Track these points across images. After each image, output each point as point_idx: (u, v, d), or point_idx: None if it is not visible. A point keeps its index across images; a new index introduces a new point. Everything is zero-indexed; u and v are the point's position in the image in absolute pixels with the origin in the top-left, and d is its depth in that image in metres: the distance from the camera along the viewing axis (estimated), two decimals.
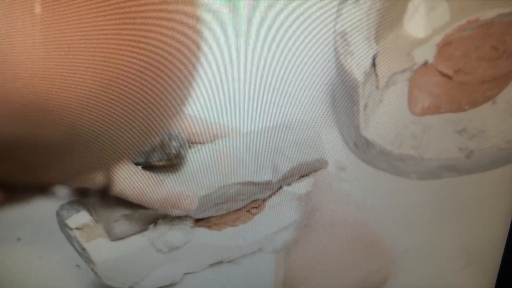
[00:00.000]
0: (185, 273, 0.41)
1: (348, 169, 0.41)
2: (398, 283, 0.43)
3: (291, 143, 0.39)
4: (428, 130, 0.44)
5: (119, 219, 0.36)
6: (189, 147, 0.38)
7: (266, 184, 0.39)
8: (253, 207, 0.40)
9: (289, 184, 0.40)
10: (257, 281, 0.42)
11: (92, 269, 0.37)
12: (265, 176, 0.38)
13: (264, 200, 0.40)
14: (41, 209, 0.44)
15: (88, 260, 0.37)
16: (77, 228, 0.36)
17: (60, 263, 0.43)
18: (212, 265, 0.42)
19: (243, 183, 0.38)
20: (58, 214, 0.36)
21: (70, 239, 0.37)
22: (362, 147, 0.44)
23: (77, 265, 0.43)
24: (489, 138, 0.44)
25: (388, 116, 0.43)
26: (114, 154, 0.17)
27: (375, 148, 0.44)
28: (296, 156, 0.39)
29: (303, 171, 0.40)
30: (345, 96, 0.42)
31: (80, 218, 0.36)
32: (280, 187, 0.40)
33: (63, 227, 0.37)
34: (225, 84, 0.43)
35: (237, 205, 0.39)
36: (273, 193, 0.41)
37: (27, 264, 0.43)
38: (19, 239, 0.44)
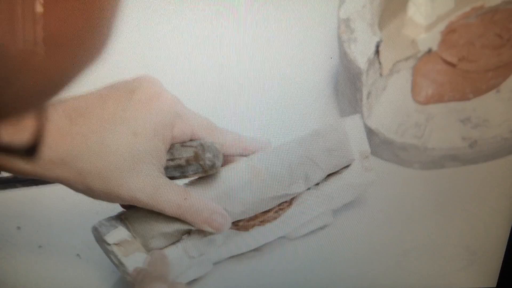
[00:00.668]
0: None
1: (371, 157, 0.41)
2: (400, 282, 0.43)
3: (322, 151, 0.39)
4: (432, 119, 0.43)
5: (156, 236, 0.37)
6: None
7: (297, 193, 0.39)
8: (280, 208, 0.40)
9: (317, 184, 0.40)
10: (278, 267, 0.42)
11: (129, 281, 0.38)
12: (298, 187, 0.39)
13: (291, 200, 0.40)
14: (40, 198, 0.44)
15: (125, 273, 0.37)
16: (115, 244, 0.37)
17: (60, 252, 0.43)
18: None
19: (277, 196, 0.38)
20: (96, 230, 0.37)
21: (108, 253, 0.37)
22: (366, 137, 0.44)
23: (77, 255, 0.43)
24: (493, 127, 0.43)
25: (391, 105, 0.43)
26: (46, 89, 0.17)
27: (378, 137, 0.44)
28: (327, 162, 0.39)
29: (332, 171, 0.41)
30: (348, 84, 0.42)
31: (118, 234, 0.37)
32: (308, 188, 0.41)
33: (101, 242, 0.37)
34: (226, 80, 0.43)
35: (266, 208, 0.40)
36: (300, 194, 0.41)
37: (27, 253, 0.43)
38: (18, 228, 0.43)
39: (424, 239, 0.43)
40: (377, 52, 0.41)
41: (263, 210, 0.39)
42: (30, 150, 0.16)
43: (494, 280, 0.44)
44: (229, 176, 0.37)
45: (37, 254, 0.43)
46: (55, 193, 0.44)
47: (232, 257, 0.42)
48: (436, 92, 0.42)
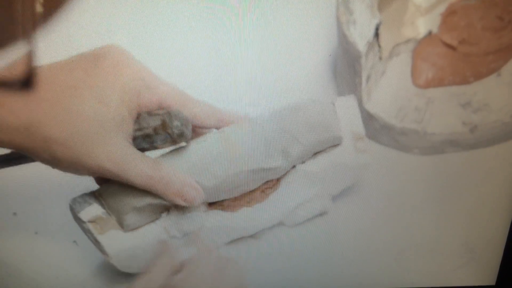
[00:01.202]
0: None
1: (365, 139, 0.40)
2: (398, 279, 0.43)
3: (302, 125, 0.37)
4: (432, 104, 0.43)
5: (129, 211, 0.36)
6: (194, 131, 0.37)
7: (277, 169, 0.38)
8: (267, 188, 0.39)
9: (303, 162, 0.39)
10: (279, 255, 0.42)
11: (108, 261, 0.37)
12: (275, 161, 0.37)
13: (278, 180, 0.40)
14: (37, 184, 0.43)
15: (103, 251, 0.37)
16: (90, 221, 0.36)
17: (56, 239, 0.42)
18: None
19: (253, 170, 0.37)
20: (71, 208, 0.36)
21: (85, 231, 0.37)
22: (365, 121, 0.43)
23: (74, 241, 0.42)
24: (494, 112, 0.43)
25: (391, 89, 0.42)
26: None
27: (378, 122, 0.43)
28: (308, 138, 0.38)
29: (317, 149, 0.40)
30: (347, 68, 0.41)
31: (92, 211, 0.36)
32: (294, 166, 0.40)
33: (77, 220, 0.37)
34: (225, 61, 0.42)
35: (250, 187, 0.39)
36: (287, 172, 0.40)
37: (22, 239, 0.42)
38: (14, 213, 0.43)
39: (422, 236, 0.43)
40: (376, 34, 0.40)
41: (243, 186, 0.38)
42: None
43: (493, 278, 0.44)
44: (200, 147, 0.36)
45: (33, 240, 0.42)
46: (53, 179, 0.43)
47: (230, 244, 0.41)
48: (436, 76, 0.42)
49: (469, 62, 0.41)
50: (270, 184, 0.40)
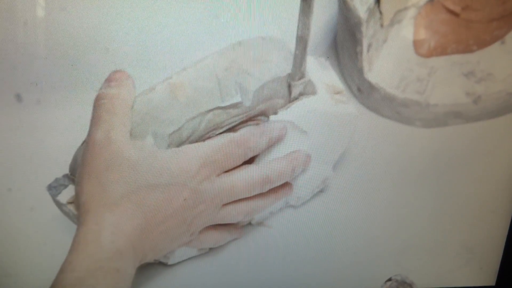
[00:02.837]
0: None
1: (345, 93, 0.39)
2: None
3: (255, 61, 0.36)
4: (434, 73, 0.42)
5: None
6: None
7: (238, 108, 0.36)
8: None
9: (275, 113, 0.37)
10: (291, 242, 0.42)
11: None
12: (233, 98, 0.36)
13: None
14: (33, 159, 0.42)
15: None
16: (69, 202, 0.36)
17: (51, 215, 0.41)
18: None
19: (212, 112, 0.36)
20: (49, 194, 0.36)
21: (68, 216, 0.36)
22: (366, 92, 0.42)
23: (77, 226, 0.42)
24: (498, 81, 0.42)
25: (392, 58, 0.41)
26: None
27: (379, 93, 0.42)
28: (263, 73, 0.36)
29: (282, 93, 0.38)
30: (348, 36, 0.40)
31: (69, 192, 0.36)
32: (268, 118, 0.38)
33: (57, 204, 0.36)
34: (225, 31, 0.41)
35: (206, 128, 0.38)
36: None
37: (17, 215, 0.41)
38: (9, 189, 0.42)
39: (422, 237, 0.43)
40: (377, 1, 0.39)
41: (210, 132, 0.37)
42: None
43: (493, 278, 0.44)
44: (148, 98, 0.35)
45: (28, 216, 0.41)
46: (48, 155, 0.42)
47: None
48: (439, 44, 0.41)
49: (473, 29, 0.40)
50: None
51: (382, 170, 0.44)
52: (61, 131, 0.44)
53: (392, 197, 0.43)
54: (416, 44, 0.41)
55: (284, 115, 0.37)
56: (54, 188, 0.36)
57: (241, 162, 0.37)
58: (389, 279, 0.39)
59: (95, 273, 0.31)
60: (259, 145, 0.37)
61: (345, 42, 0.40)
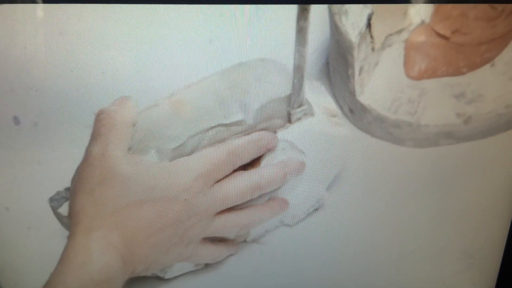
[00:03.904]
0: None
1: (340, 116, 0.40)
2: (398, 285, 0.42)
3: (256, 81, 0.37)
4: (425, 95, 0.42)
5: None
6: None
7: (240, 126, 0.37)
8: (246, 165, 0.39)
9: (274, 132, 0.39)
10: (281, 261, 0.42)
11: None
12: (235, 116, 0.37)
13: (259, 159, 0.39)
14: (29, 179, 0.43)
15: None
16: None
17: (49, 234, 0.42)
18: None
19: (215, 128, 0.37)
20: (51, 207, 0.37)
21: (68, 228, 0.37)
22: (358, 113, 0.43)
23: (67, 237, 0.42)
24: (488, 102, 0.42)
25: (384, 80, 0.42)
26: None
27: (371, 114, 0.43)
28: (264, 93, 0.37)
29: (281, 113, 0.39)
30: (340, 59, 0.41)
31: None
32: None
33: (58, 217, 0.37)
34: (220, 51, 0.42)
35: (209, 143, 0.38)
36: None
37: (15, 234, 0.42)
38: (7, 208, 0.42)
39: (421, 242, 0.43)
40: (368, 25, 0.40)
41: (205, 145, 0.38)
42: None
43: (492, 283, 0.44)
44: (151, 114, 0.36)
45: (25, 235, 0.42)
46: (45, 174, 0.43)
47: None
48: (430, 67, 0.41)
49: (463, 52, 0.41)
50: (251, 164, 0.39)
51: (376, 189, 0.44)
52: (59, 152, 0.44)
53: (392, 201, 0.43)
54: (407, 67, 0.42)
55: (283, 135, 0.38)
56: (55, 201, 0.37)
57: (232, 170, 0.38)
58: None
59: (84, 284, 0.31)
60: (251, 155, 0.38)
61: (337, 65, 0.41)
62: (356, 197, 0.44)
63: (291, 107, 0.37)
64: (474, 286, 0.43)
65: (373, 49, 0.41)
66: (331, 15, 0.39)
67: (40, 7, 0.38)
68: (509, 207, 0.43)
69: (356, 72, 0.41)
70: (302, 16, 0.33)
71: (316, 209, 0.43)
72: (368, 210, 0.43)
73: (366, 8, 0.39)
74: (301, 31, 0.34)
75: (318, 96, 0.40)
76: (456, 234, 0.43)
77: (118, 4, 0.38)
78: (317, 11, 0.38)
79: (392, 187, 0.44)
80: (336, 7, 0.38)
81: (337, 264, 0.42)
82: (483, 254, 0.43)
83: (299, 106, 0.37)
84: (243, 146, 0.37)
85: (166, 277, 0.40)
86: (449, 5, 0.39)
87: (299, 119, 0.38)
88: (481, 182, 0.44)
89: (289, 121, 0.38)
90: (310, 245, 0.43)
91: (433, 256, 0.43)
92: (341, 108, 0.43)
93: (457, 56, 0.41)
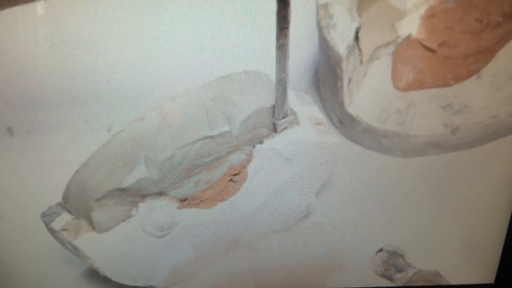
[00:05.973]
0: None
1: (326, 124, 0.41)
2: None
3: (240, 93, 0.38)
4: (413, 106, 0.43)
5: (94, 207, 0.36)
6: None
7: (226, 137, 0.38)
8: (233, 174, 0.40)
9: (261, 142, 0.39)
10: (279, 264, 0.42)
11: (91, 265, 0.37)
12: (221, 127, 0.37)
13: (244, 167, 0.40)
14: (24, 187, 0.43)
15: (83, 257, 0.37)
16: (63, 229, 0.37)
17: (43, 242, 0.42)
18: (229, 252, 0.42)
19: (201, 141, 0.37)
20: (44, 222, 0.38)
21: (62, 243, 0.38)
22: (347, 124, 0.43)
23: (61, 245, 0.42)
24: (475, 113, 0.43)
25: (372, 92, 0.42)
26: None
27: (360, 125, 0.43)
28: (249, 104, 0.38)
29: (266, 123, 0.39)
30: (328, 72, 0.41)
31: (62, 219, 0.38)
32: (254, 147, 0.40)
33: (51, 232, 0.38)
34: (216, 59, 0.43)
35: (212, 174, 0.39)
36: (250, 157, 0.40)
37: (10, 242, 0.42)
38: (1, 217, 0.43)
39: (421, 235, 0.43)
40: (356, 38, 0.40)
41: (205, 171, 0.39)
42: None
43: (492, 276, 0.44)
44: (139, 126, 0.37)
45: (20, 243, 0.42)
46: (39, 181, 0.43)
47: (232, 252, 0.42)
48: (417, 79, 0.42)
49: (449, 65, 0.42)
50: (235, 170, 0.40)
51: (368, 192, 0.44)
52: (52, 161, 0.45)
53: (387, 203, 0.44)
54: (395, 78, 0.42)
55: (270, 144, 0.39)
56: (48, 216, 0.37)
57: None
58: (380, 250, 0.39)
59: None
60: None
61: (326, 77, 0.42)
62: (358, 200, 0.44)
63: (276, 118, 0.38)
64: (474, 278, 0.43)
65: (361, 61, 0.41)
66: (320, 28, 0.40)
67: (31, 19, 0.39)
68: (509, 200, 0.44)
69: (345, 84, 0.41)
70: (282, 35, 0.34)
71: (305, 216, 0.44)
72: (370, 209, 0.44)
73: (354, 22, 0.39)
74: (281, 47, 0.35)
75: (303, 105, 0.41)
76: (456, 226, 0.43)
77: (105, 15, 0.38)
78: (303, 25, 0.39)
79: (395, 192, 0.44)
80: (325, 21, 0.39)
81: (337, 253, 0.42)
82: (483, 247, 0.44)
83: (284, 117, 0.38)
84: None
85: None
86: (436, 19, 0.40)
87: (284, 128, 0.39)
88: (481, 176, 0.44)
89: (275, 131, 0.39)
90: (306, 240, 0.43)
91: (433, 249, 0.43)
92: (331, 119, 0.44)
93: (444, 68, 0.42)
